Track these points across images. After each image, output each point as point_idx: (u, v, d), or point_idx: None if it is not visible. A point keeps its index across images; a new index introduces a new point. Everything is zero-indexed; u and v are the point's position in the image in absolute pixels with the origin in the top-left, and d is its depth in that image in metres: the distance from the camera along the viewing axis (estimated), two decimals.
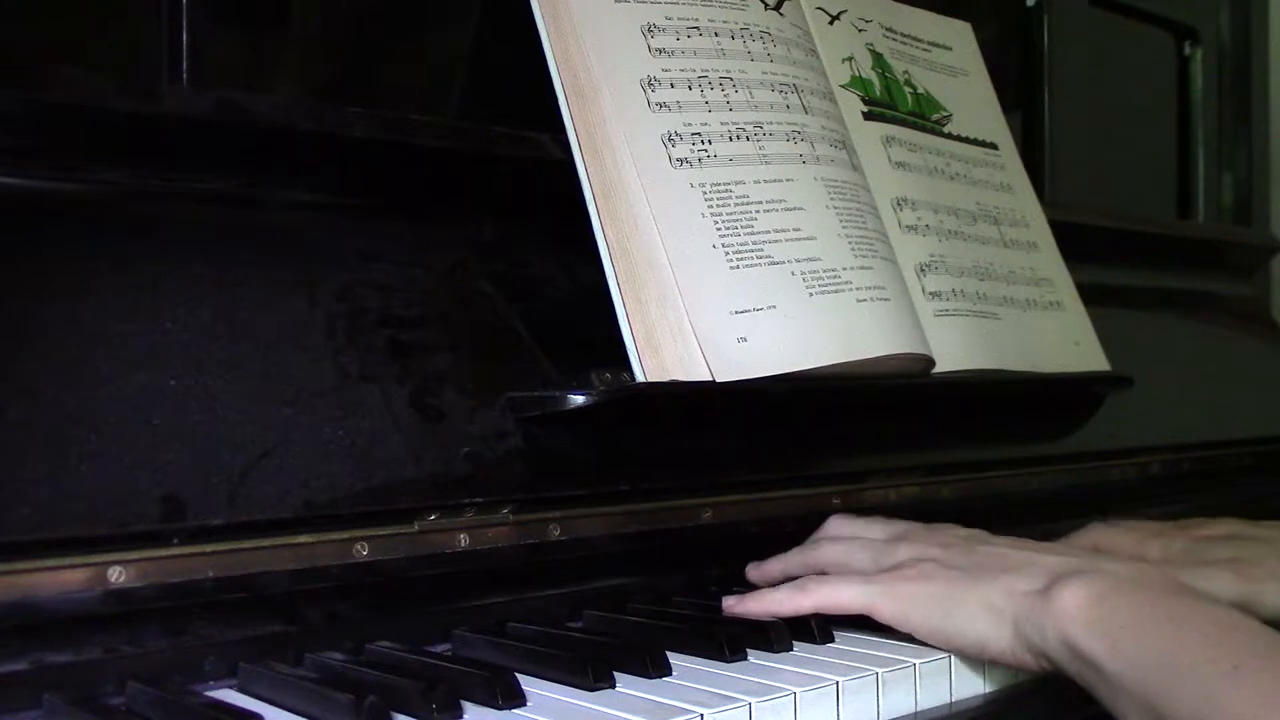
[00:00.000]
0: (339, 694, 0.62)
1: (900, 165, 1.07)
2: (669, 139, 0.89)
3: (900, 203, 1.05)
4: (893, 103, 1.11)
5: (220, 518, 0.69)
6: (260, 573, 0.72)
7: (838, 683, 0.69)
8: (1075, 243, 1.22)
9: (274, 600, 0.73)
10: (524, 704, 0.65)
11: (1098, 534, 0.96)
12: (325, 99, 0.92)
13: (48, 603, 0.65)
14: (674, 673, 0.70)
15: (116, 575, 0.67)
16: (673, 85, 0.91)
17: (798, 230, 0.92)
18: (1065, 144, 1.46)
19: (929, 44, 1.19)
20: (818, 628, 0.78)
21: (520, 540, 0.83)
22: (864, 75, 1.09)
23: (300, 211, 0.82)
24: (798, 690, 0.67)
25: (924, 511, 0.99)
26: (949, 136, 1.15)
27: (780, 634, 0.76)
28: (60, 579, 0.65)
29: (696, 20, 0.95)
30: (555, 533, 0.84)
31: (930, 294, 1.03)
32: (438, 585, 0.79)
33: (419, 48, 0.98)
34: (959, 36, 1.23)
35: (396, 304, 0.81)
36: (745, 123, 0.93)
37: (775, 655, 0.75)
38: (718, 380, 0.84)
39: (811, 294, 0.90)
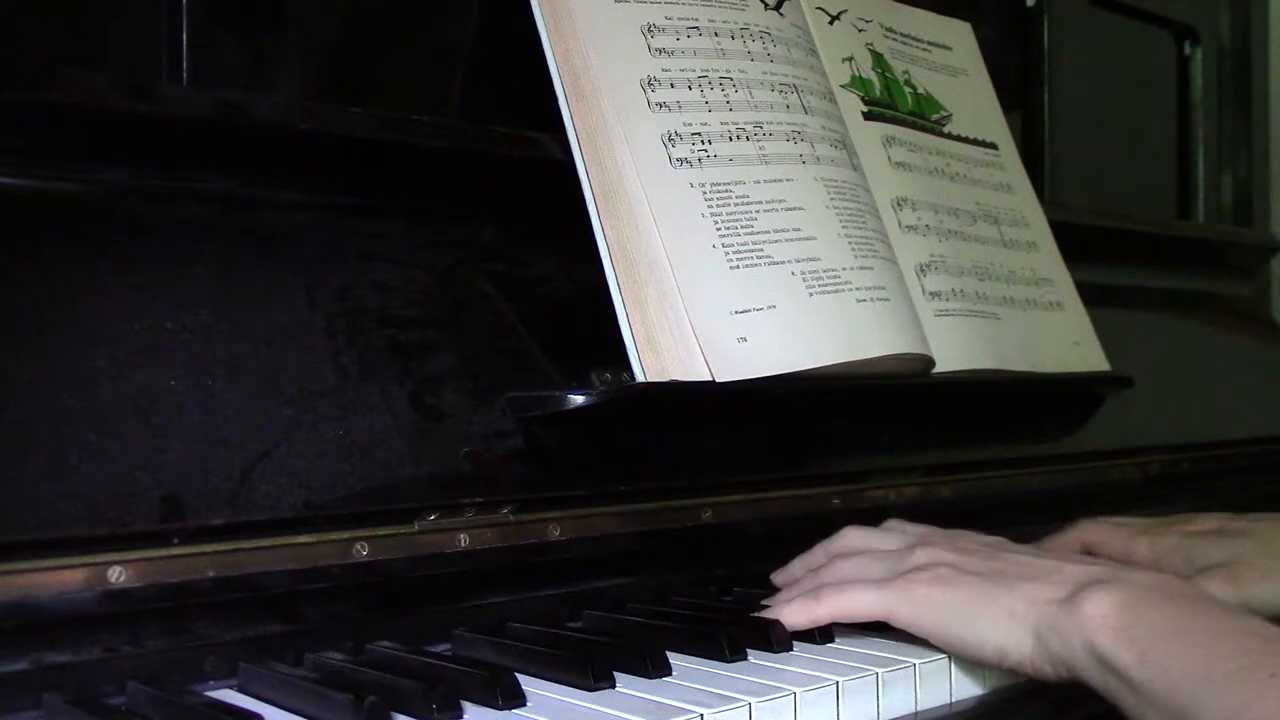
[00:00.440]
0: (339, 694, 0.62)
1: (900, 165, 1.07)
2: (669, 139, 0.89)
3: (900, 203, 1.05)
4: (893, 103, 1.11)
5: (220, 518, 0.69)
6: (260, 573, 0.72)
7: (838, 683, 0.69)
8: (1075, 243, 1.22)
9: (274, 600, 0.73)
10: (524, 704, 0.65)
11: (1084, 532, 0.96)
12: (325, 99, 0.92)
13: (48, 603, 0.65)
14: (674, 673, 0.70)
15: (116, 575, 0.67)
16: (673, 85, 0.91)
17: (798, 230, 0.92)
18: (1065, 144, 1.46)
19: (929, 44, 1.19)
20: (818, 628, 0.78)
21: (520, 540, 0.83)
22: (864, 75, 1.09)
23: (300, 211, 0.82)
24: (798, 690, 0.67)
25: (924, 511, 0.99)
26: (949, 136, 1.15)
27: (780, 634, 0.76)
28: (60, 579, 0.65)
29: (696, 20, 0.95)
30: (555, 533, 0.84)
31: (930, 294, 1.03)
32: (438, 585, 0.79)
33: (419, 48, 0.98)
34: (959, 36, 1.23)
35: (396, 304, 0.81)
36: (745, 123, 0.93)
37: (775, 655, 0.75)
38: (718, 380, 0.84)
39: (811, 294, 0.90)
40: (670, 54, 0.92)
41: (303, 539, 0.73)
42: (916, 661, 0.73)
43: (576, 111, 0.88)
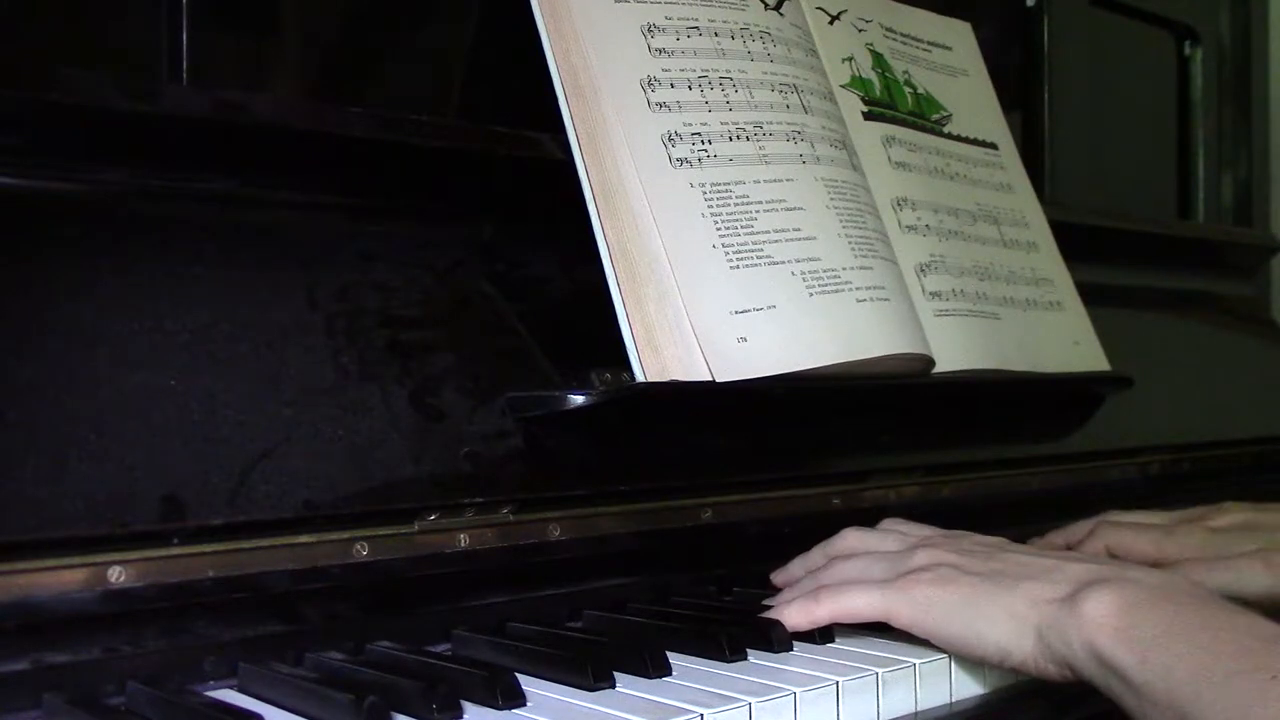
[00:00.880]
0: (339, 694, 0.62)
1: (900, 165, 1.07)
2: (669, 139, 0.89)
3: (900, 203, 1.05)
4: (893, 103, 1.11)
5: (220, 518, 0.69)
6: (260, 573, 0.72)
7: (838, 683, 0.69)
8: (1075, 243, 1.22)
9: (274, 600, 0.73)
10: (524, 704, 0.65)
11: (1108, 536, 0.96)
12: (325, 99, 0.92)
13: (48, 603, 0.65)
14: (674, 673, 0.70)
15: (116, 575, 0.67)
16: (673, 85, 0.91)
17: (798, 230, 0.92)
18: (1065, 144, 1.46)
19: (929, 44, 1.19)
20: (818, 628, 0.78)
21: (520, 540, 0.83)
22: (864, 75, 1.09)
23: (300, 211, 0.82)
24: (798, 690, 0.67)
25: (924, 511, 0.99)
26: (949, 136, 1.15)
27: (780, 634, 0.76)
28: (60, 579, 0.65)
29: (696, 20, 0.95)
30: (555, 533, 0.84)
31: (930, 294, 1.03)
32: (438, 585, 0.79)
33: (419, 48, 0.98)
34: (959, 36, 1.23)
35: (396, 304, 0.81)
36: (745, 123, 0.93)
37: (775, 655, 0.75)
38: (718, 380, 0.84)
39: (811, 294, 0.90)
40: (670, 54, 0.92)
41: (303, 539, 0.73)
42: (916, 661, 0.73)
43: (576, 111, 0.88)
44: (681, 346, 0.84)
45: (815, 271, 0.91)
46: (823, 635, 0.78)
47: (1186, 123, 1.69)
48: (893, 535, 0.84)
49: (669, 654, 0.71)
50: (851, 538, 0.85)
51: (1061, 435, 1.21)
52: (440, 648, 0.78)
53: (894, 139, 1.08)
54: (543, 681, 0.69)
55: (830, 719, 0.68)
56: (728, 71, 0.95)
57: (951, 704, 0.74)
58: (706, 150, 0.91)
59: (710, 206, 0.89)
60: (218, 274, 0.75)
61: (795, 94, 0.98)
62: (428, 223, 0.87)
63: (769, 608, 0.80)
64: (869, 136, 1.06)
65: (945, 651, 0.74)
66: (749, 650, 0.75)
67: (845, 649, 0.76)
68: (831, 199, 0.95)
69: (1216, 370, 1.48)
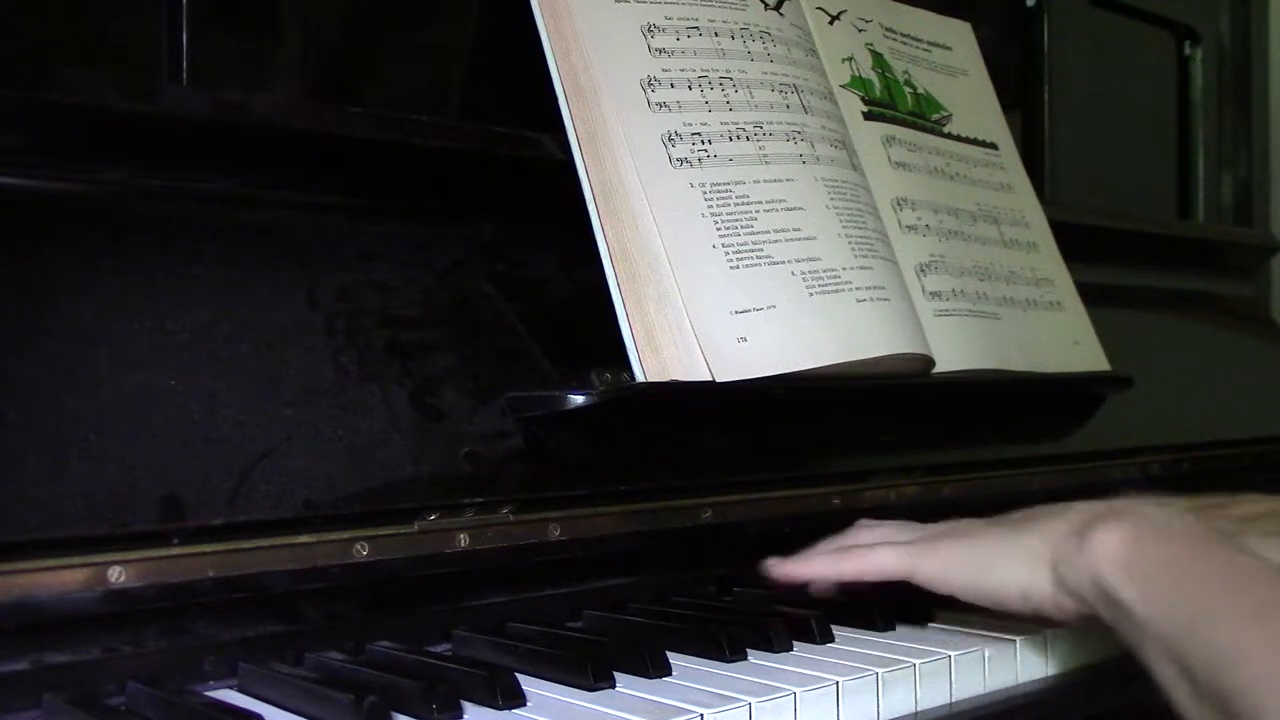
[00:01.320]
0: (339, 694, 0.62)
1: (900, 165, 1.07)
2: (669, 139, 0.89)
3: (900, 203, 1.05)
4: (893, 103, 1.11)
5: (220, 518, 0.69)
6: (260, 573, 0.72)
7: (838, 683, 0.69)
8: (1075, 243, 1.22)
9: (274, 600, 0.73)
10: (524, 704, 0.65)
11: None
12: (325, 99, 0.92)
13: (48, 603, 0.65)
14: (674, 673, 0.70)
15: (116, 575, 0.67)
16: (673, 85, 0.91)
17: (798, 230, 0.92)
18: (1065, 144, 1.46)
19: (929, 44, 1.19)
20: (818, 627, 0.78)
21: (520, 540, 0.83)
22: (864, 75, 1.09)
23: (300, 211, 0.82)
24: (798, 690, 0.67)
25: (924, 511, 0.99)
26: (949, 136, 1.15)
27: (780, 634, 0.76)
28: (60, 579, 0.65)
29: (696, 20, 0.95)
30: (555, 533, 0.84)
31: (930, 294, 1.03)
32: (438, 585, 0.79)
33: (419, 48, 0.98)
34: (959, 36, 1.23)
35: (396, 304, 0.81)
36: (745, 123, 0.93)
37: (775, 655, 0.75)
38: (718, 380, 0.84)
39: (811, 294, 0.90)
40: (670, 54, 0.92)
41: (303, 539, 0.73)
42: (916, 662, 0.73)
43: (576, 111, 0.88)
44: (681, 346, 0.84)
45: (815, 271, 0.91)
46: (823, 635, 0.78)
47: (1186, 123, 1.69)
48: (908, 524, 0.86)
49: (669, 654, 0.72)
50: (866, 523, 0.87)
51: (1061, 435, 1.21)
52: (440, 648, 0.78)
53: (894, 139, 1.08)
54: (543, 681, 0.69)
55: (830, 719, 0.68)
56: (728, 71, 0.95)
57: (951, 704, 0.74)
58: (706, 150, 0.91)
59: (710, 206, 0.89)
60: (218, 274, 0.75)
61: (795, 94, 0.98)
62: (428, 223, 0.87)
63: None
64: (869, 136, 1.06)
65: (974, 602, 0.74)
66: (749, 650, 0.75)
67: (845, 649, 0.76)
68: (831, 199, 0.95)
69: (1216, 370, 1.48)
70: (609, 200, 0.87)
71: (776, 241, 0.90)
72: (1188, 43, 1.69)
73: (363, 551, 0.76)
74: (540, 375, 0.84)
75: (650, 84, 0.90)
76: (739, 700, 0.65)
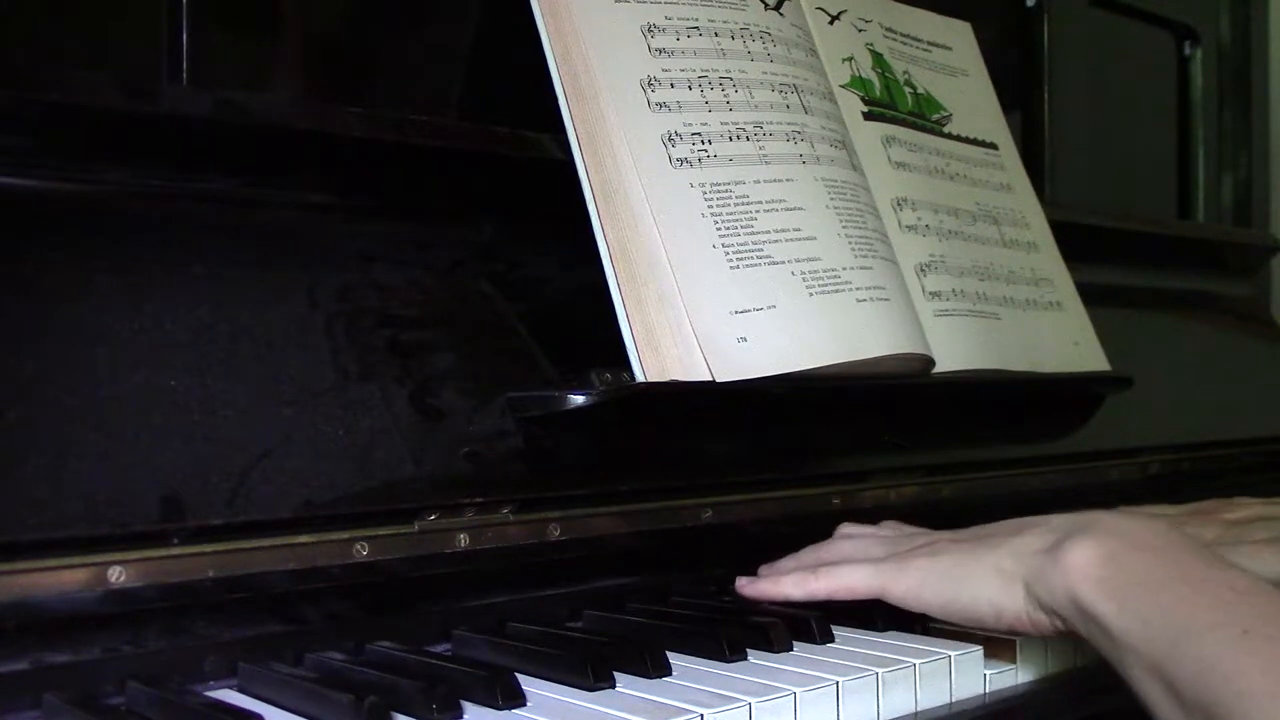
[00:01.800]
0: (339, 694, 0.62)
1: (900, 165, 1.07)
2: (669, 139, 0.89)
3: (900, 203, 1.05)
4: (893, 103, 1.11)
5: (220, 518, 0.69)
6: (260, 573, 0.72)
7: (838, 683, 0.69)
8: (1075, 243, 1.22)
9: (274, 600, 0.73)
10: (524, 704, 0.65)
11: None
12: (325, 99, 0.92)
13: (48, 603, 0.65)
14: (674, 673, 0.70)
15: (116, 575, 0.67)
16: (673, 85, 0.91)
17: (798, 230, 0.92)
18: (1065, 144, 1.46)
19: (929, 44, 1.19)
20: (818, 628, 0.78)
21: (520, 540, 0.83)
22: (864, 75, 1.09)
23: (300, 211, 0.82)
24: (798, 690, 0.67)
25: (924, 512, 0.99)
26: (949, 136, 1.15)
27: (780, 634, 0.76)
28: (60, 579, 0.65)
29: (696, 20, 0.95)
30: (555, 533, 0.84)
31: (930, 294, 1.03)
32: (438, 585, 0.79)
33: (419, 48, 0.98)
34: (959, 36, 1.23)
35: (396, 304, 0.81)
36: (745, 123, 0.93)
37: (775, 655, 0.75)
38: (718, 380, 0.84)
39: (811, 294, 0.90)
40: (670, 54, 0.92)
41: (303, 539, 0.73)
42: (916, 662, 0.73)
43: (576, 111, 0.88)
44: (681, 346, 0.84)
45: (815, 271, 0.91)
46: (823, 635, 0.78)
47: (1186, 123, 1.69)
48: (889, 527, 0.86)
49: (669, 654, 0.71)
50: (848, 528, 0.88)
51: (1061, 435, 1.21)
52: (440, 648, 0.78)
53: (894, 139, 1.08)
54: (543, 681, 0.69)
55: (830, 719, 0.68)
56: (728, 71, 0.95)
57: (951, 704, 0.74)
58: (706, 150, 0.91)
59: (710, 206, 0.89)
60: (218, 274, 0.75)
61: (795, 94, 0.98)
62: (428, 223, 0.87)
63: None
64: (869, 136, 1.06)
65: (947, 622, 0.74)
66: (749, 650, 0.75)
67: (845, 649, 0.76)
68: (831, 199, 0.95)
69: (1216, 370, 1.48)
70: (609, 200, 0.87)
71: (776, 241, 0.90)
72: (1188, 43, 1.69)
73: (363, 551, 0.76)
74: (540, 375, 0.84)
75: (650, 84, 0.90)
76: (739, 700, 0.65)
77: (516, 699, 0.65)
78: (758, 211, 0.91)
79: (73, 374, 0.67)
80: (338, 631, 0.75)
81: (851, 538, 0.85)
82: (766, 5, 1.00)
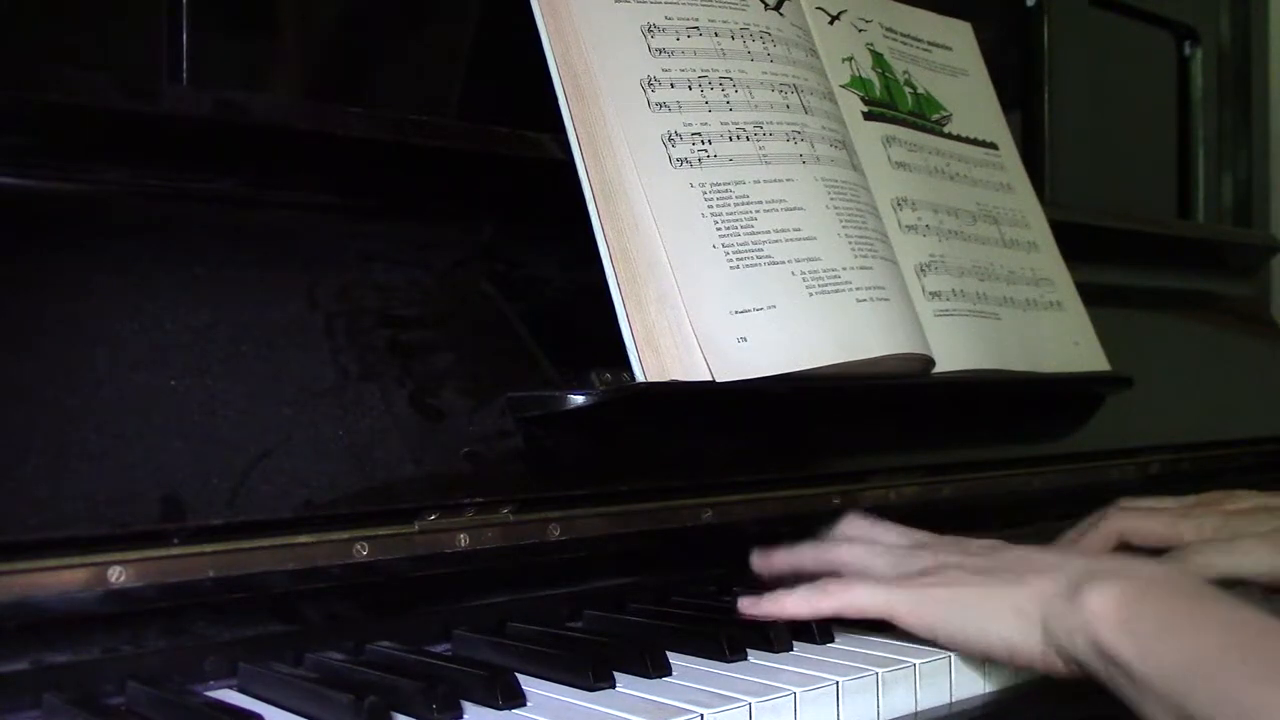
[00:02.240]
0: (339, 694, 0.62)
1: (900, 165, 1.07)
2: (669, 139, 0.89)
3: (900, 203, 1.05)
4: (893, 103, 1.11)
5: (220, 518, 0.69)
6: (260, 573, 0.72)
7: (838, 683, 0.69)
8: (1075, 243, 1.22)
9: (274, 600, 0.73)
10: (524, 704, 0.65)
11: (1123, 521, 0.96)
12: (325, 99, 0.92)
13: (48, 603, 0.65)
14: (674, 673, 0.70)
15: (116, 575, 0.67)
16: (673, 85, 0.91)
17: (798, 230, 0.92)
18: (1065, 144, 1.46)
19: (929, 44, 1.19)
20: (818, 628, 0.78)
21: (520, 540, 0.83)
22: (864, 75, 1.09)
23: (300, 211, 0.82)
24: (798, 690, 0.67)
25: (924, 512, 0.99)
26: (949, 136, 1.15)
27: (780, 634, 0.76)
28: (60, 579, 0.65)
29: (696, 20, 0.95)
30: (555, 533, 0.84)
31: (930, 294, 1.03)
32: (438, 585, 0.79)
33: (419, 48, 0.98)
34: (959, 36, 1.23)
35: (396, 304, 0.81)
36: (745, 123, 0.93)
37: (775, 655, 0.75)
38: (718, 380, 0.84)
39: (811, 294, 0.90)
40: (670, 54, 0.92)
41: (303, 539, 0.73)
42: (917, 661, 0.73)
43: (576, 111, 0.88)
44: (681, 346, 0.84)
45: (815, 271, 0.91)
46: (823, 635, 0.78)
47: (1186, 123, 1.69)
48: (894, 529, 0.85)
49: (669, 654, 0.72)
50: (851, 525, 0.86)
51: (1061, 435, 1.21)
52: (440, 648, 0.78)
53: (894, 139, 1.08)
54: (543, 681, 0.69)
55: (830, 719, 0.68)
56: (728, 71, 0.95)
57: (951, 704, 0.74)
58: (706, 150, 0.91)
59: (710, 206, 0.89)
60: (218, 274, 0.75)
61: (795, 94, 0.98)
62: (428, 223, 0.87)
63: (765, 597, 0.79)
64: (869, 136, 1.06)
65: (951, 651, 0.74)
66: (749, 650, 0.75)
67: (845, 649, 0.76)
68: (831, 199, 0.95)
69: (1216, 370, 1.48)
70: (609, 200, 0.87)
71: (776, 241, 0.90)
72: (1188, 43, 1.69)
73: (363, 551, 0.76)
74: (540, 375, 0.84)
75: (650, 84, 0.90)
76: (739, 700, 0.65)
77: (516, 699, 0.65)
78: (758, 211, 0.91)
79: (73, 374, 0.67)
80: (338, 631, 0.75)
81: (853, 542, 0.83)
82: (766, 5, 1.00)
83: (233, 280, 0.76)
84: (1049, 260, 1.18)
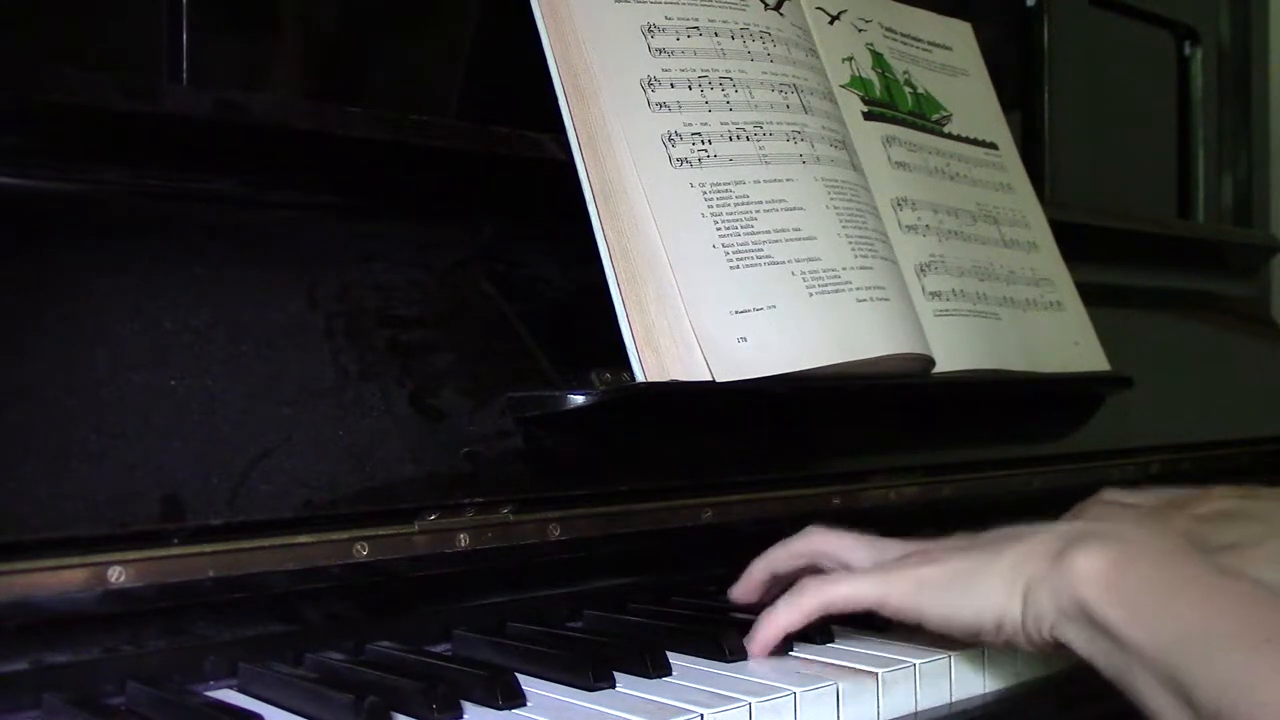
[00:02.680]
0: (339, 694, 0.62)
1: (900, 165, 1.07)
2: (669, 139, 0.89)
3: (900, 203, 1.05)
4: (893, 103, 1.11)
5: (220, 518, 0.69)
6: (260, 573, 0.72)
7: (838, 683, 0.69)
8: (1075, 243, 1.22)
9: (274, 600, 0.73)
10: (524, 704, 0.65)
11: (1096, 514, 0.95)
12: (325, 99, 0.92)
13: (48, 603, 0.65)
14: (674, 673, 0.70)
15: (116, 575, 0.67)
16: (673, 85, 0.91)
17: (798, 230, 0.92)
18: (1065, 144, 1.46)
19: (929, 44, 1.19)
20: (817, 628, 0.78)
21: (520, 540, 0.83)
22: (864, 75, 1.09)
23: (300, 211, 0.82)
24: (798, 690, 0.67)
25: (924, 512, 0.99)
26: (949, 136, 1.15)
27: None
28: (60, 579, 0.65)
29: (696, 20, 0.95)
30: (555, 533, 0.84)
31: (930, 294, 1.03)
32: (437, 585, 0.79)
33: (419, 48, 0.98)
34: (959, 36, 1.23)
35: (396, 304, 0.81)
36: (745, 123, 0.93)
37: (775, 655, 0.75)
38: (718, 380, 0.84)
39: (811, 294, 0.90)
40: (670, 54, 0.92)
41: (303, 539, 0.73)
42: (917, 661, 0.73)
43: (576, 112, 0.88)
44: (681, 346, 0.84)
45: (815, 271, 0.91)
46: (822, 635, 0.78)
47: (1186, 123, 1.69)
48: (863, 542, 0.80)
49: (669, 654, 0.72)
50: (816, 531, 0.82)
51: (1061, 435, 1.21)
52: (440, 648, 0.78)
53: (894, 139, 1.08)
54: (543, 681, 0.69)
55: (830, 719, 0.68)
56: (728, 71, 0.95)
57: (951, 704, 0.74)
58: (706, 150, 0.91)
59: (710, 206, 0.89)
60: (218, 274, 0.75)
61: (795, 94, 0.98)
62: (428, 223, 0.87)
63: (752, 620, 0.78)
64: (869, 136, 1.06)
65: (942, 633, 0.72)
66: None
67: (845, 649, 0.76)
68: (831, 199, 0.95)
69: (1216, 370, 1.48)
70: (609, 200, 0.87)
71: (776, 241, 0.90)
72: (1188, 43, 1.69)
73: (363, 551, 0.76)
74: (540, 375, 0.84)
75: (650, 84, 0.90)
76: (739, 700, 0.65)
77: (516, 699, 0.65)
78: (758, 211, 0.91)
79: (73, 374, 0.67)
80: (338, 631, 0.75)
81: (824, 534, 0.80)
82: (766, 5, 1.00)
83: (233, 280, 0.76)
84: (1049, 260, 1.18)
